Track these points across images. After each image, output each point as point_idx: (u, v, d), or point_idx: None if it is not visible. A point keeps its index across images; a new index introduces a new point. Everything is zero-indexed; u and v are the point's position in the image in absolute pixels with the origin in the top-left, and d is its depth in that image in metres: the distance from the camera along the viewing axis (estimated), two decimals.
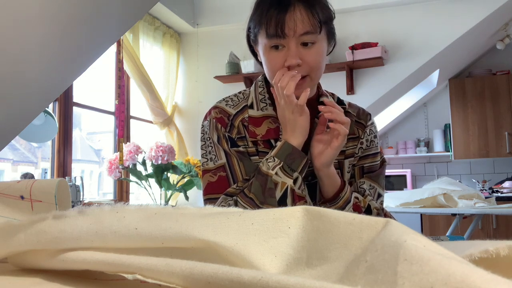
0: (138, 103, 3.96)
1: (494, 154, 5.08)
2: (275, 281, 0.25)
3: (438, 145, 5.47)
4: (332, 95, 1.26)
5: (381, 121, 5.16)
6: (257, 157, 1.14)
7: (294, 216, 0.40)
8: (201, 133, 1.19)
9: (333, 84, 3.72)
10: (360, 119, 1.24)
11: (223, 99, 1.21)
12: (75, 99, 3.21)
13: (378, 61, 3.59)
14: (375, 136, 1.24)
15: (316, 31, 1.05)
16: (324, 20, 1.07)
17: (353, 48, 3.61)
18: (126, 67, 3.63)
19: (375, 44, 3.56)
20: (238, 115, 1.17)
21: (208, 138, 1.16)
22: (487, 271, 0.23)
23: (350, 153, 1.20)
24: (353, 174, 1.21)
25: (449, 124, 5.33)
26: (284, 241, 0.40)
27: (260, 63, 1.19)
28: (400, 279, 0.24)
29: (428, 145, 5.58)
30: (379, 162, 1.24)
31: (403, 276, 0.24)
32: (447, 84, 5.39)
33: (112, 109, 3.68)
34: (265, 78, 1.22)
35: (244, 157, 1.13)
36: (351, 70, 3.75)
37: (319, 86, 1.22)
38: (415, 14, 3.62)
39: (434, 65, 3.90)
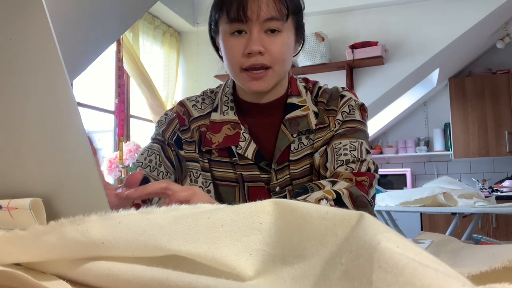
0: (138, 102, 3.96)
1: (494, 153, 5.08)
2: None
3: (438, 144, 5.46)
4: (313, 85, 1.13)
5: (381, 120, 5.16)
6: (198, 164, 1.08)
7: (264, 211, 0.40)
8: (160, 118, 1.15)
9: (333, 83, 3.70)
10: (330, 106, 1.07)
11: (194, 99, 1.15)
12: (75, 98, 3.20)
13: (378, 60, 3.59)
14: (353, 109, 1.07)
15: (282, 18, 0.96)
16: (292, 9, 0.99)
17: (353, 47, 3.61)
18: (126, 66, 3.63)
19: (375, 43, 3.56)
20: (199, 120, 1.11)
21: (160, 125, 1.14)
22: (464, 283, 0.23)
23: (319, 144, 1.04)
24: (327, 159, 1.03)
25: (449, 123, 5.32)
26: (257, 238, 0.39)
27: (222, 58, 1.09)
28: None
29: (428, 144, 5.58)
30: (360, 127, 1.06)
31: (378, 287, 0.25)
32: (447, 83, 5.39)
33: (112, 108, 3.68)
34: None
35: (174, 158, 1.09)
36: (351, 69, 3.75)
37: (291, 83, 1.10)
38: (415, 13, 3.62)
39: (434, 64, 3.90)
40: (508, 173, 5.27)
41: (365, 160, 1.00)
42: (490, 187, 4.92)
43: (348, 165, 0.98)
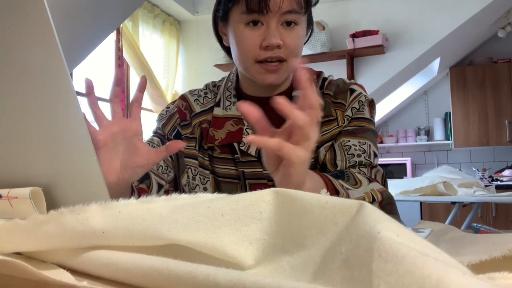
0: None
1: (494, 142, 5.08)
2: (252, 282, 0.25)
3: (438, 134, 5.46)
4: (318, 76, 1.11)
5: (382, 109, 5.15)
6: (196, 161, 1.07)
7: (264, 201, 0.40)
8: (162, 111, 1.13)
9: (334, 72, 3.67)
10: (337, 99, 1.05)
11: (196, 93, 1.13)
12: (74, 88, 3.19)
13: (379, 49, 3.58)
14: (363, 106, 1.05)
15: (301, 11, 0.94)
16: (309, 2, 0.98)
17: (354, 36, 3.59)
18: (126, 55, 3.62)
19: (376, 32, 3.55)
20: (201, 115, 1.09)
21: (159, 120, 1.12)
22: (463, 272, 0.23)
23: (326, 138, 1.02)
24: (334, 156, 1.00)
25: (450, 113, 5.32)
26: (257, 227, 0.39)
27: (226, 49, 1.07)
28: (376, 279, 0.25)
29: (429, 133, 5.58)
30: (369, 127, 1.04)
31: (378, 276, 0.25)
32: (447, 72, 5.37)
33: None
34: (237, 71, 1.10)
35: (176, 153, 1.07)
36: (352, 58, 3.74)
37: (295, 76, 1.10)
38: (416, 2, 3.60)
39: (435, 53, 3.88)
40: (508, 162, 5.27)
41: (375, 166, 0.99)
42: (490, 176, 4.93)
43: (360, 168, 0.97)
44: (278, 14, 0.92)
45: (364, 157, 0.98)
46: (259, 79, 0.97)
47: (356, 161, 0.97)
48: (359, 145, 0.99)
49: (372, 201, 0.86)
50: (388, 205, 0.89)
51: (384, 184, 1.00)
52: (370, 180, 0.92)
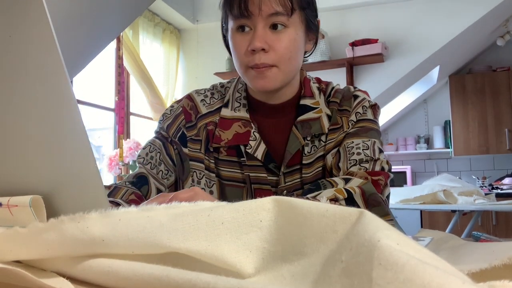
0: (138, 100, 3.96)
1: (494, 150, 5.08)
2: None
3: (438, 142, 5.47)
4: (326, 86, 1.10)
5: (381, 117, 5.16)
6: (202, 164, 1.05)
7: (264, 209, 0.40)
8: (166, 111, 1.11)
9: (333, 80, 3.69)
10: (343, 106, 1.05)
11: (203, 93, 1.11)
12: (75, 96, 3.20)
13: (378, 58, 3.59)
14: (366, 109, 1.05)
15: (287, 13, 0.92)
16: (299, 3, 0.95)
17: (353, 44, 3.61)
18: (126, 63, 3.63)
19: (375, 41, 3.56)
20: (207, 116, 1.07)
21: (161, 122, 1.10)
22: (464, 281, 0.23)
23: (332, 146, 1.02)
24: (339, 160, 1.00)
25: (449, 121, 5.33)
26: (257, 235, 0.39)
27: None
28: (376, 287, 0.25)
29: (428, 141, 5.58)
30: (372, 126, 1.03)
31: (378, 284, 0.25)
32: (447, 80, 5.38)
33: (112, 106, 3.68)
34: None
35: (180, 157, 1.06)
36: (351, 67, 3.75)
37: (304, 84, 1.07)
38: (416, 11, 3.61)
39: (434, 61, 3.90)
40: (508, 170, 5.27)
41: (378, 159, 0.98)
42: (490, 185, 4.92)
43: (361, 164, 0.96)
44: (262, 18, 0.91)
45: (365, 153, 0.97)
46: (252, 84, 0.97)
47: (356, 160, 0.96)
48: (362, 143, 0.98)
49: (348, 197, 0.84)
50: (372, 195, 0.88)
51: (389, 171, 0.99)
52: (348, 180, 0.90)
